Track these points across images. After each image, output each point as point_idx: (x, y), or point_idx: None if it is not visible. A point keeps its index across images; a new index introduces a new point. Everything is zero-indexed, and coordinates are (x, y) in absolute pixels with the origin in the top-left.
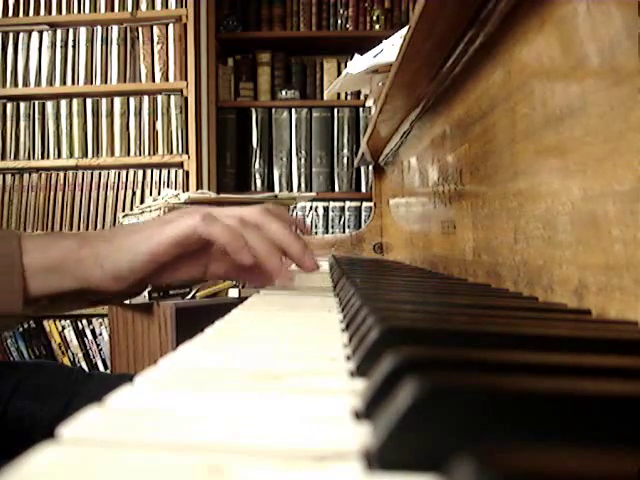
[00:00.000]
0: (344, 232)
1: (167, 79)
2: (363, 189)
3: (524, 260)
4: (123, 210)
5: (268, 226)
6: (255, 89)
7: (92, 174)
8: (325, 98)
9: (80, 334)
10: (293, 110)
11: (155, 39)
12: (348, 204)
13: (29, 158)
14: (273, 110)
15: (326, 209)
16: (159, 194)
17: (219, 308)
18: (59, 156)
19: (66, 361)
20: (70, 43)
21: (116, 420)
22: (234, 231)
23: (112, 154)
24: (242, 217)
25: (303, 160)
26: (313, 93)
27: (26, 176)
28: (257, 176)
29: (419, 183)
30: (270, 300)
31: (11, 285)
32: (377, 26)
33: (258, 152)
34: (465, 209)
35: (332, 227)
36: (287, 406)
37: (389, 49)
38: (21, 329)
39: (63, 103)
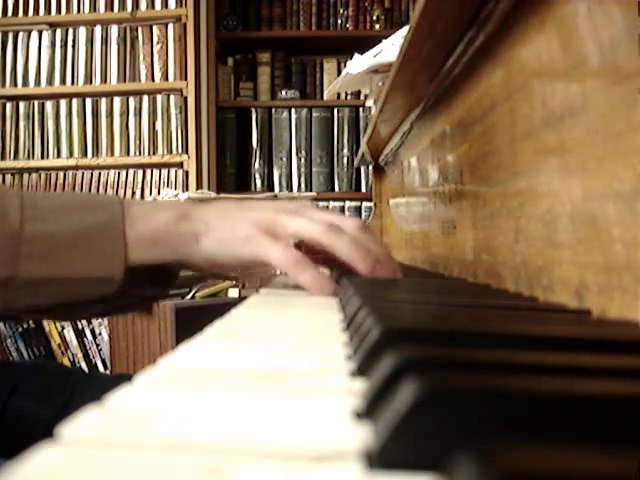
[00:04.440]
0: None
1: (167, 79)
2: (363, 189)
3: (524, 260)
4: None
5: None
6: (255, 89)
7: (92, 174)
8: (325, 98)
9: (80, 334)
10: (293, 110)
11: (155, 39)
12: (348, 204)
13: (29, 158)
14: (273, 110)
15: (326, 209)
16: (159, 194)
17: (219, 308)
18: (59, 156)
19: (66, 361)
20: (69, 43)
21: (116, 420)
22: (318, 281)
23: (112, 154)
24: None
25: (303, 160)
26: (313, 93)
27: (26, 176)
28: (257, 176)
29: (419, 183)
30: (270, 300)
31: (113, 251)
32: (377, 26)
33: (258, 152)
34: (465, 209)
35: None
36: (287, 406)
37: (389, 49)
38: (20, 329)
39: (63, 103)
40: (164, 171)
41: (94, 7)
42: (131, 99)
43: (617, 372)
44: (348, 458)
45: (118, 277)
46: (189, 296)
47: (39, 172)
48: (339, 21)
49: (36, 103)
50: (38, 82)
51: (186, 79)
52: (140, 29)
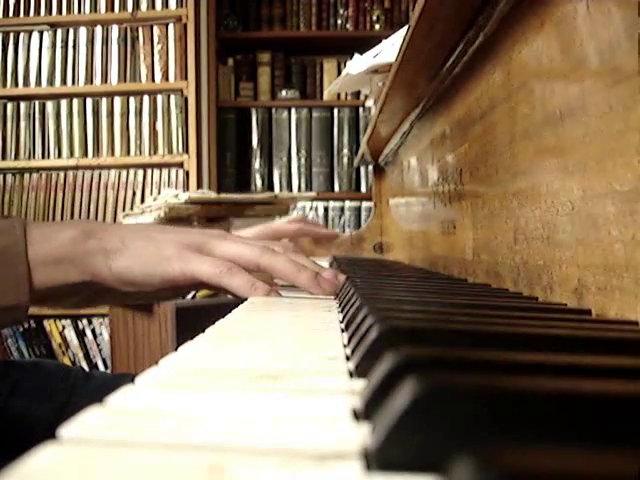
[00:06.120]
0: (344, 232)
1: (167, 79)
2: (363, 189)
3: (524, 260)
4: (123, 210)
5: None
6: (255, 89)
7: (92, 174)
8: (325, 98)
9: (80, 334)
10: (293, 110)
11: (155, 39)
12: (348, 204)
13: (29, 158)
14: (273, 110)
15: (326, 209)
16: (159, 194)
17: (219, 308)
18: (59, 156)
19: (66, 361)
20: (70, 43)
21: (116, 420)
22: (252, 282)
23: (112, 154)
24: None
25: (303, 160)
26: (313, 93)
27: (26, 176)
28: (257, 176)
29: (419, 183)
30: (270, 300)
31: (17, 277)
32: (377, 26)
33: (258, 152)
34: (465, 209)
35: (332, 227)
36: (287, 406)
37: (389, 49)
38: (21, 329)
39: (63, 103)
40: (164, 171)
41: (95, 7)
42: (132, 99)
43: (617, 372)
44: (347, 458)
45: (24, 303)
46: (189, 296)
47: (40, 172)
48: (339, 21)
49: (37, 103)
50: (39, 82)
51: (186, 79)
52: (141, 29)
